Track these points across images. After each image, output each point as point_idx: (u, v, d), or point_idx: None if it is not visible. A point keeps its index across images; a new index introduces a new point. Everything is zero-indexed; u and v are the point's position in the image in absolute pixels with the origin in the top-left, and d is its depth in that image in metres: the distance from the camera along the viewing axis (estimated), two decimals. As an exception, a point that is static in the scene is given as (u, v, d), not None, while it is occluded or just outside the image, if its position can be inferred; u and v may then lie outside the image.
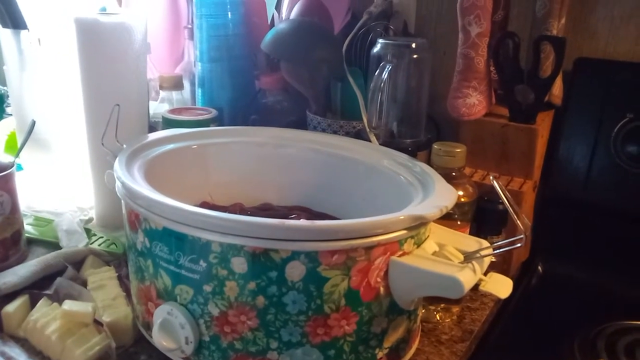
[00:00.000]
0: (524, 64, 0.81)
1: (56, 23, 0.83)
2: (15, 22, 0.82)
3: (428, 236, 0.55)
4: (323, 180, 0.71)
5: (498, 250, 0.52)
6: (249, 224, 0.47)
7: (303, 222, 0.49)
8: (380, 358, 0.54)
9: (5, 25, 0.83)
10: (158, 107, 0.96)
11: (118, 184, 0.56)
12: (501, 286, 0.53)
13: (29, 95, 0.87)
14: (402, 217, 0.49)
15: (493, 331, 0.71)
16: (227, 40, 0.92)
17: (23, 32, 0.83)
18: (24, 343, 0.60)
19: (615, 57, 0.83)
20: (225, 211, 0.56)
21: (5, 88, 1.13)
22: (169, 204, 0.49)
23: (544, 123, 0.80)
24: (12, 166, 0.70)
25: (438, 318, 0.67)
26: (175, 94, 0.98)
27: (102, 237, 0.76)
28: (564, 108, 0.84)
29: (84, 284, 0.65)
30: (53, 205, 0.84)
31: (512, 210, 0.50)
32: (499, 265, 0.76)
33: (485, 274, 0.53)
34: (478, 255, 0.52)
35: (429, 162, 0.69)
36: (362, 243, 0.47)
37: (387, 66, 0.73)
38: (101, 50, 0.74)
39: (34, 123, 0.76)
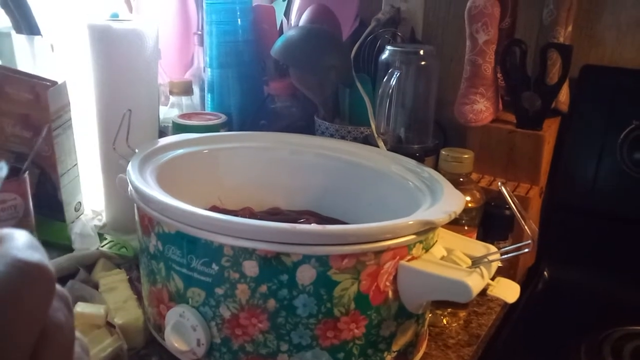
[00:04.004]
0: (531, 71, 0.82)
1: (69, 29, 0.84)
2: (29, 28, 0.84)
3: (436, 241, 0.55)
4: (331, 185, 0.72)
5: (506, 255, 0.52)
6: (261, 228, 0.48)
7: (314, 226, 0.49)
8: (389, 361, 0.54)
9: (19, 31, 0.84)
10: (168, 112, 0.97)
11: (131, 188, 0.57)
12: (509, 291, 0.53)
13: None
14: (411, 222, 0.50)
15: (499, 336, 0.72)
16: (237, 47, 0.93)
17: (37, 38, 0.84)
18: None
19: (622, 64, 0.84)
20: (235, 215, 0.57)
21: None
22: (182, 208, 0.50)
23: (550, 129, 0.81)
24: (25, 170, 0.71)
25: (445, 322, 0.68)
26: (185, 99, 0.99)
27: (112, 241, 0.77)
28: (570, 115, 0.85)
29: (96, 286, 0.66)
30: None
31: (519, 216, 0.51)
32: (505, 271, 0.76)
33: (492, 278, 0.53)
34: (486, 260, 0.52)
35: (436, 167, 0.70)
36: (372, 247, 0.48)
37: (395, 72, 0.74)
38: (113, 56, 0.75)
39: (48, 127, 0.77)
